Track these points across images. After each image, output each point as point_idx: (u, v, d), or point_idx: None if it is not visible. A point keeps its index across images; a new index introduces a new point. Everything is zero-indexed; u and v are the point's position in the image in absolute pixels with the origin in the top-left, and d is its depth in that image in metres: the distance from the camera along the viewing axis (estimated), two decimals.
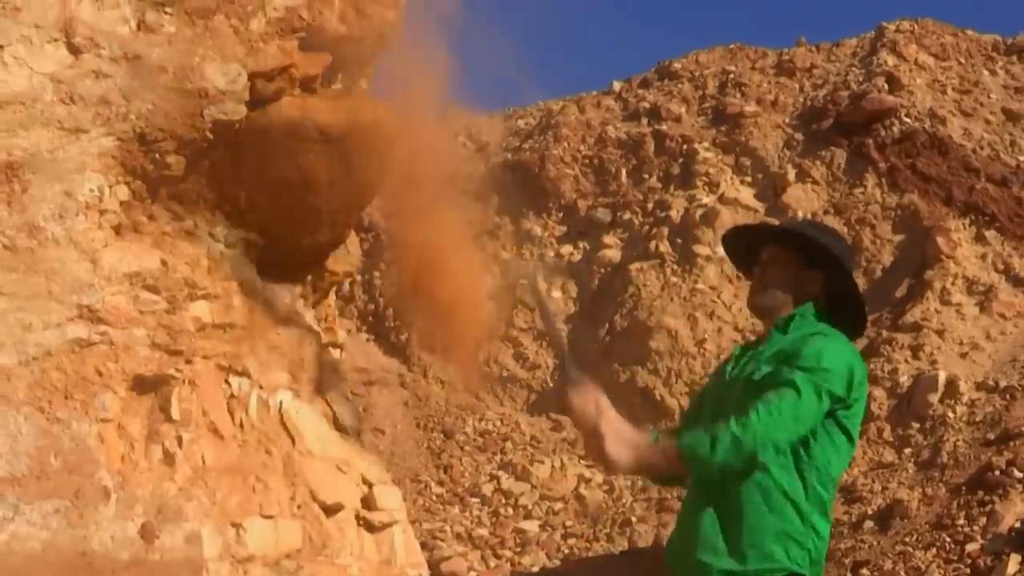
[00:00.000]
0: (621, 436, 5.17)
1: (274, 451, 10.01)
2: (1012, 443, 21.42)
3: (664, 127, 34.09)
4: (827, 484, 5.39)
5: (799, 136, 32.55)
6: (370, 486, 11.01)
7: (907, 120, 31.68)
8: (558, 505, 24.88)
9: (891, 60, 34.38)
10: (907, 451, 23.49)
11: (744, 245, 5.99)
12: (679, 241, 30.55)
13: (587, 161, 34.29)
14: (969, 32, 37.21)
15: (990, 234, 29.01)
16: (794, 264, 5.56)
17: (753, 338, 5.92)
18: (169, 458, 9.33)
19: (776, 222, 27.48)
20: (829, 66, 35.91)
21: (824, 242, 5.54)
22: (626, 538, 23.08)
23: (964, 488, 20.61)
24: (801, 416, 5.14)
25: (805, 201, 30.59)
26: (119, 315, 9.25)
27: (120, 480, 8.90)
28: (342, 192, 11.31)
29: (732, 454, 5.06)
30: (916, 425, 24.12)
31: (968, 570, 18.14)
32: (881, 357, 26.07)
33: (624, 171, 33.49)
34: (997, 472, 20.26)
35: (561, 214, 33.22)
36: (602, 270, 31.51)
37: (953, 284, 27.38)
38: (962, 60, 35.43)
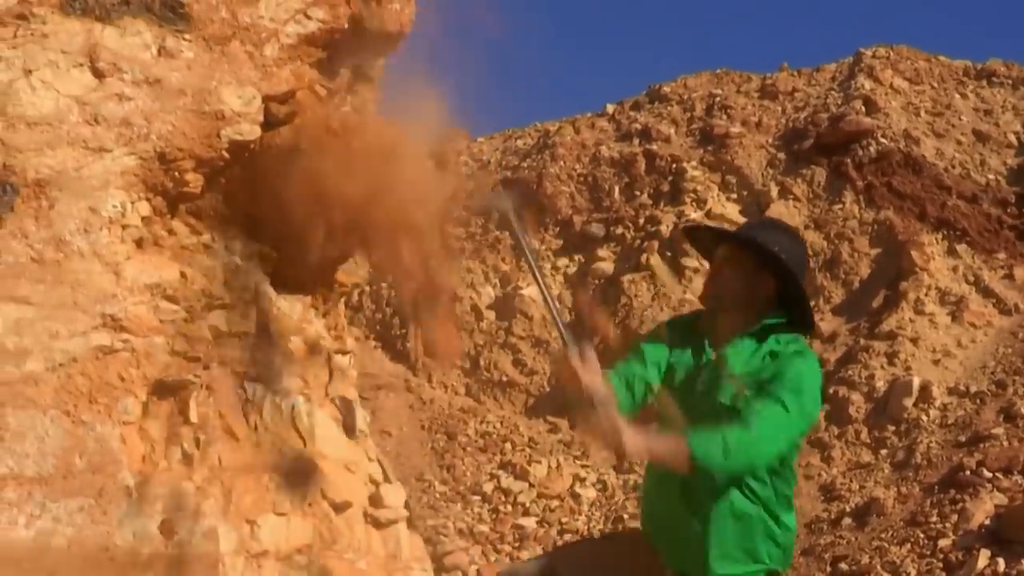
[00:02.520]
0: (630, 426, 5.17)
1: (287, 452, 10.00)
2: (982, 445, 21.45)
3: (654, 147, 34.16)
4: (789, 479, 5.43)
5: (782, 156, 32.63)
6: (377, 485, 11.00)
7: (883, 141, 31.75)
8: (555, 503, 24.87)
9: (868, 84, 34.47)
10: (883, 452, 23.50)
11: (706, 237, 6.03)
12: (668, 254, 30.58)
13: (582, 179, 34.37)
14: (942, 58, 37.31)
15: (961, 248, 29.05)
16: (748, 266, 5.56)
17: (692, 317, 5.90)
18: (187, 459, 9.31)
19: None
20: (810, 90, 36.00)
21: (775, 250, 5.52)
22: None
23: (937, 487, 20.62)
24: (789, 435, 5.30)
25: (787, 216, 30.61)
26: (140, 324, 9.24)
27: (141, 479, 8.88)
28: (351, 208, 11.31)
29: (736, 463, 5.14)
30: (892, 428, 24.13)
31: (940, 565, 18.13)
32: (858, 363, 26.09)
33: (617, 188, 33.57)
34: (968, 472, 20.27)
35: (557, 229, 33.27)
36: (596, 281, 31.55)
37: (926, 295, 27.41)
38: (935, 84, 35.52)
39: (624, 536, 6.01)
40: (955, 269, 28.49)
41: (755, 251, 5.57)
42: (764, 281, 5.55)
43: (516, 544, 23.36)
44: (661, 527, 5.72)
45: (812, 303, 6.13)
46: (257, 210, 10.66)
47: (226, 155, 10.00)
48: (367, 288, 32.00)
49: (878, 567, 18.86)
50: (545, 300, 5.78)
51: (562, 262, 32.55)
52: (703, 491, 5.39)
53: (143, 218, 9.58)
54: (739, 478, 5.28)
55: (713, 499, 5.38)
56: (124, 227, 9.33)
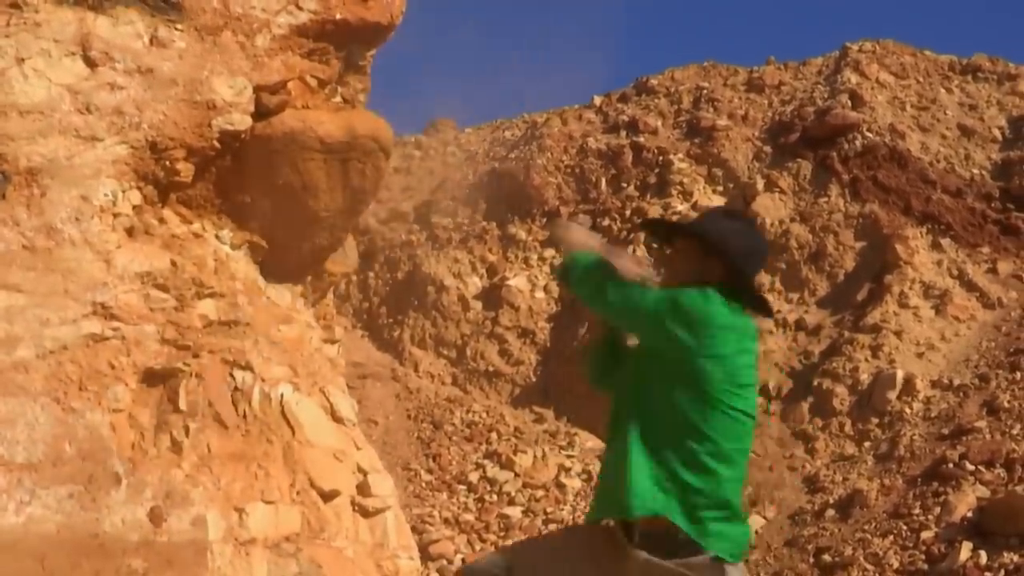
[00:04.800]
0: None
1: (275, 440, 10.00)
2: (965, 438, 21.50)
3: (641, 139, 34.20)
4: (698, 439, 5.40)
5: (768, 149, 32.68)
6: (364, 474, 11.01)
7: (869, 134, 31.80)
8: (539, 492, 24.88)
9: (854, 78, 34.52)
10: (867, 444, 23.56)
11: (662, 231, 6.16)
12: (655, 246, 30.58)
13: (569, 170, 34.39)
14: (927, 52, 37.36)
15: (945, 242, 29.12)
16: (696, 255, 5.62)
17: None
18: (177, 446, 9.32)
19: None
20: (796, 83, 36.06)
21: (718, 236, 5.59)
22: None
23: (920, 480, 20.67)
24: (631, 302, 5.49)
25: (773, 209, 30.68)
26: (131, 312, 9.24)
27: (130, 467, 8.89)
28: (340, 198, 11.33)
29: (576, 285, 5.67)
30: (875, 420, 24.20)
31: (923, 557, 18.20)
32: (843, 356, 26.14)
33: (604, 180, 33.61)
34: (950, 465, 20.33)
35: (544, 220, 33.26)
36: None
37: (911, 288, 27.46)
38: (920, 79, 35.59)
39: (582, 528, 5.97)
40: (939, 263, 28.55)
41: (699, 238, 5.67)
42: (711, 267, 5.62)
43: (501, 533, 23.39)
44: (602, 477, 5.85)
45: (769, 294, 6.17)
46: (247, 200, 10.68)
47: (217, 145, 10.01)
48: (354, 277, 31.99)
49: (861, 558, 18.92)
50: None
51: (548, 253, 32.55)
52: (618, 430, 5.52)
53: (134, 207, 9.59)
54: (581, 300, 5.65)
55: (616, 441, 5.51)
56: (115, 216, 9.34)
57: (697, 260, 5.61)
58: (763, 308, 5.79)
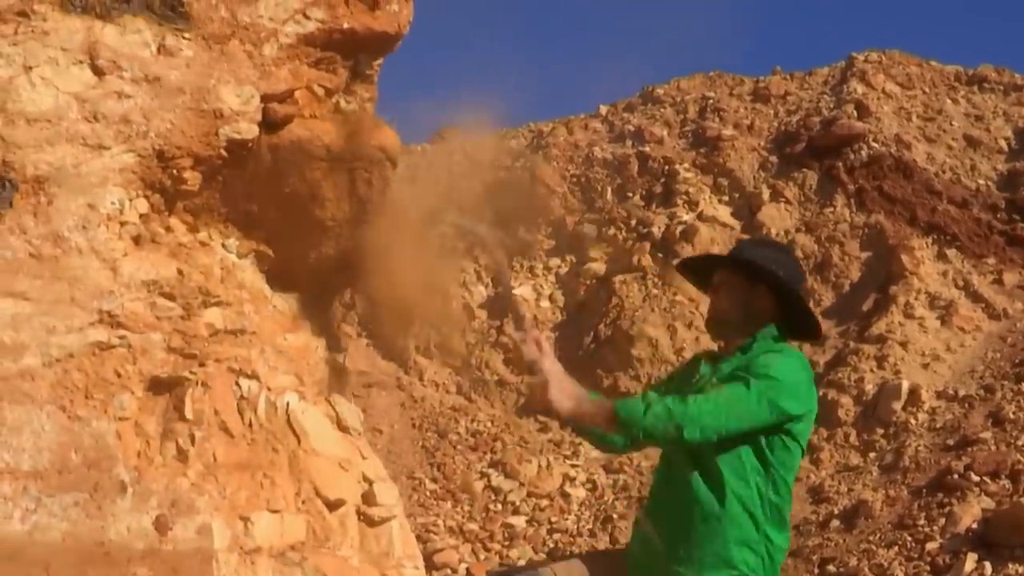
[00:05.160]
0: (563, 385, 5.34)
1: (281, 449, 10.00)
2: (970, 448, 21.47)
3: (647, 149, 34.21)
4: (783, 493, 5.37)
5: (773, 159, 32.67)
6: (370, 483, 11.01)
7: (874, 145, 31.80)
8: (544, 502, 24.88)
9: (860, 88, 34.53)
10: (872, 455, 23.54)
11: (700, 267, 6.07)
12: (660, 255, 30.61)
13: (575, 179, 34.41)
14: (933, 63, 37.36)
15: (951, 252, 29.11)
16: (742, 286, 5.60)
17: (716, 350, 5.93)
18: (182, 455, 9.32)
19: (746, 237, 27.61)
20: (802, 93, 36.05)
21: (766, 264, 5.56)
22: (607, 534, 23.10)
23: (925, 490, 20.65)
24: (739, 412, 5.17)
25: (778, 219, 30.68)
26: (137, 320, 9.25)
27: (136, 475, 8.89)
28: (347, 207, 11.34)
29: (660, 423, 5.09)
30: (880, 431, 24.17)
31: (928, 568, 18.17)
32: (848, 367, 26.13)
33: (609, 189, 33.61)
34: (955, 476, 20.31)
35: (550, 229, 33.30)
36: (588, 282, 31.60)
37: (916, 299, 27.45)
38: (926, 89, 35.58)
39: (618, 554, 5.93)
40: (945, 273, 28.54)
41: (744, 268, 5.63)
42: (760, 297, 5.58)
43: (506, 543, 23.38)
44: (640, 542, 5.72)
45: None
46: (254, 209, 10.69)
47: (224, 154, 10.01)
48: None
49: (866, 569, 18.90)
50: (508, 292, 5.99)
51: (554, 262, 32.58)
52: (678, 487, 5.41)
53: (141, 215, 9.60)
54: (671, 443, 5.21)
55: (687, 500, 5.37)
56: (122, 224, 9.35)
57: (744, 291, 5.60)
58: (816, 327, 5.81)
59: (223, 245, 10.56)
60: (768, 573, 5.37)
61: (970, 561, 17.36)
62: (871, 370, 25.80)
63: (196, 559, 8.95)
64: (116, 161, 9.32)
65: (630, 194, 33.29)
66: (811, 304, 28.20)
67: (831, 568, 19.59)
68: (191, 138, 9.75)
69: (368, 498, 10.92)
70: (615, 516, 23.62)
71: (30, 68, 9.11)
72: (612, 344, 29.26)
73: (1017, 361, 24.82)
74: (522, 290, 31.80)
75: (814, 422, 5.63)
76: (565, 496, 25.17)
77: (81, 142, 9.19)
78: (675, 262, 29.28)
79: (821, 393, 25.35)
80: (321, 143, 10.78)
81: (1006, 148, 33.16)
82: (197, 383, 9.58)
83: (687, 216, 31.39)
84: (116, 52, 9.52)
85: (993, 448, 21.22)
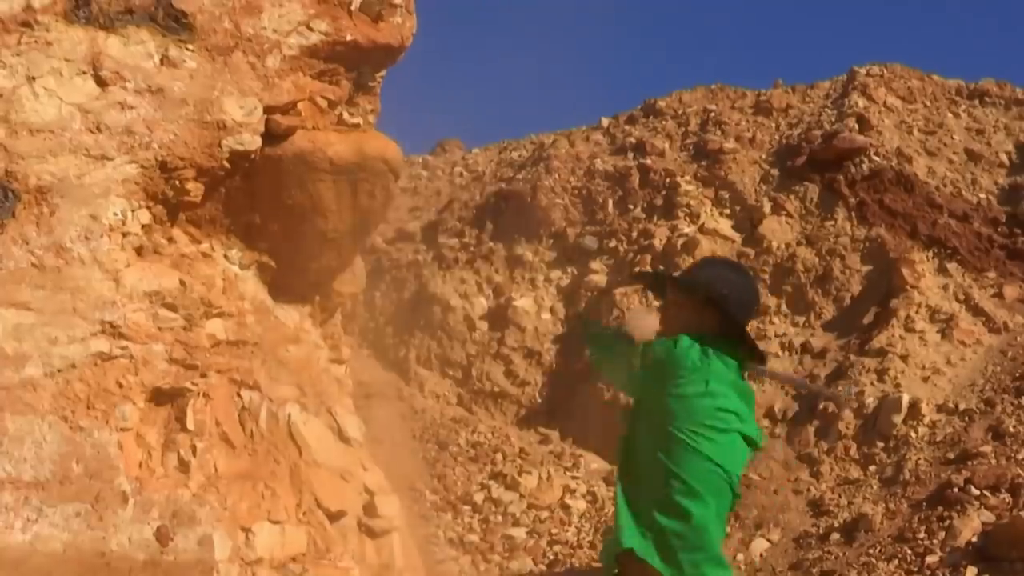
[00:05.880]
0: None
1: (282, 460, 10.01)
2: (970, 462, 21.43)
3: (649, 161, 34.18)
4: (670, 479, 5.47)
5: (775, 172, 32.62)
6: (371, 494, 11.01)
7: (876, 158, 31.76)
8: (544, 514, 24.81)
9: (861, 102, 34.50)
10: (872, 468, 23.47)
11: (658, 282, 6.40)
12: (661, 268, 30.55)
13: (576, 192, 34.36)
14: (935, 77, 37.34)
15: (952, 266, 29.05)
16: (691, 305, 5.77)
17: None
18: (184, 466, 9.33)
19: (747, 250, 27.70)
20: (804, 106, 36.02)
21: (712, 285, 5.78)
22: None
23: (925, 504, 20.61)
24: (616, 360, 5.99)
25: (780, 232, 30.64)
26: (139, 331, 9.26)
27: (138, 486, 8.89)
28: (349, 218, 11.35)
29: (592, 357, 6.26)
30: (880, 444, 24.10)
31: None
32: (848, 380, 26.09)
33: (611, 202, 33.56)
34: (956, 489, 20.27)
35: (551, 241, 33.26)
36: (589, 294, 31.53)
37: (917, 312, 27.40)
38: (928, 103, 35.55)
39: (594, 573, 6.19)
40: (945, 287, 28.48)
41: (690, 289, 5.82)
42: (707, 317, 5.73)
43: (506, 554, 23.32)
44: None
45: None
46: (256, 220, 10.70)
47: (227, 165, 10.03)
48: (360, 296, 32.00)
49: None
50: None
51: (555, 274, 32.52)
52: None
53: (143, 226, 9.61)
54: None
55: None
56: (124, 235, 9.36)
57: (693, 311, 5.82)
58: (757, 354, 5.93)
59: (225, 256, 10.58)
60: (661, 555, 5.44)
61: (970, 574, 17.34)
62: (871, 383, 25.74)
63: (197, 570, 8.95)
64: (119, 172, 9.34)
65: (631, 206, 33.26)
66: (801, 309, 28.18)
67: None
68: (194, 149, 9.77)
69: (369, 509, 10.93)
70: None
71: (33, 78, 9.12)
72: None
73: (1018, 375, 24.77)
74: (523, 302, 31.77)
75: (720, 409, 5.74)
76: (565, 508, 25.11)
77: (84, 153, 9.20)
78: (635, 273, 29.41)
79: (821, 406, 25.33)
80: (324, 155, 10.80)
81: (1007, 162, 33.12)
82: (199, 394, 9.59)
83: (688, 229, 31.36)
84: (119, 63, 9.54)
85: (993, 462, 21.19)
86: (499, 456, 27.18)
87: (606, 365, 6.10)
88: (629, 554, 5.40)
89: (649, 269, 30.47)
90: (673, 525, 5.41)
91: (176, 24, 9.90)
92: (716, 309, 5.70)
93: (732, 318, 5.71)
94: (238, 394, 9.96)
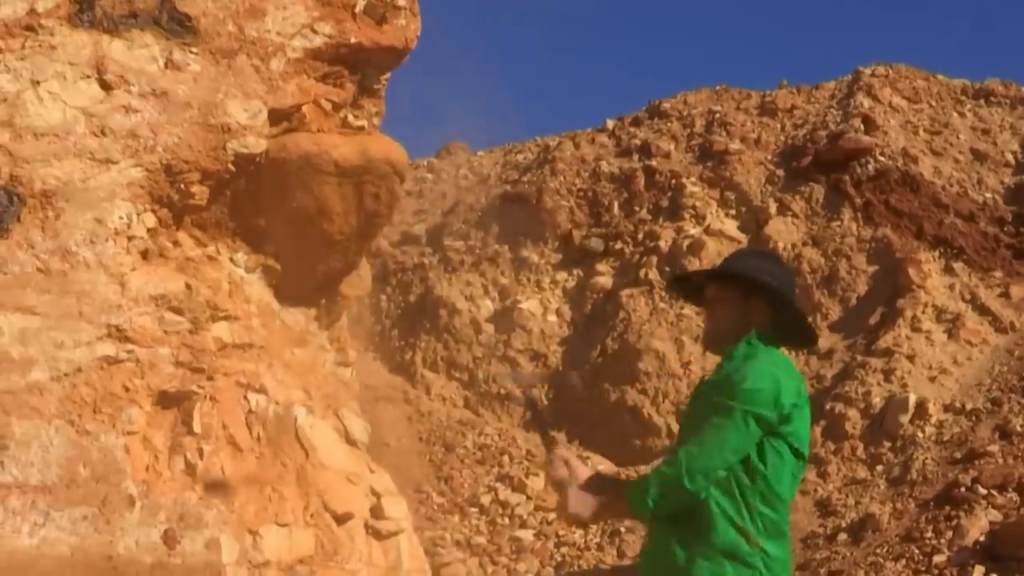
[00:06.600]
0: (579, 498, 5.37)
1: (289, 463, 10.01)
2: (977, 462, 21.43)
3: (654, 163, 34.14)
4: (775, 504, 5.32)
5: (780, 172, 32.60)
6: (378, 497, 11.00)
7: (881, 159, 31.74)
8: (552, 516, 24.78)
9: (867, 102, 34.46)
10: (879, 468, 23.47)
11: (692, 284, 6.10)
12: (667, 269, 30.52)
13: (582, 194, 34.32)
14: (940, 77, 37.30)
15: (958, 266, 29.04)
16: (735, 299, 5.58)
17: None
18: (191, 469, 9.33)
19: (751, 248, 27.67)
20: (809, 107, 35.98)
21: (758, 276, 5.55)
22: (615, 547, 23.05)
23: (932, 503, 20.60)
24: (727, 442, 5.17)
25: (785, 233, 30.63)
26: (145, 335, 9.26)
27: (144, 489, 8.90)
28: (355, 221, 11.35)
29: (663, 494, 5.12)
30: (888, 444, 24.10)
31: None
32: (855, 380, 26.06)
33: (616, 203, 33.52)
34: (963, 489, 20.26)
35: (557, 243, 33.22)
36: (595, 296, 31.52)
37: (923, 312, 27.38)
38: (933, 103, 35.52)
39: (624, 570, 6.02)
40: (952, 287, 28.46)
41: (736, 280, 5.62)
42: (755, 308, 5.58)
43: (513, 556, 23.31)
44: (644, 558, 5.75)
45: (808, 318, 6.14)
46: (262, 223, 10.70)
47: (232, 168, 10.03)
48: (366, 300, 31.97)
49: None
50: None
51: (561, 276, 32.50)
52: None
53: (149, 229, 9.62)
54: (689, 499, 5.19)
55: (679, 517, 5.40)
56: (130, 238, 9.36)
57: (739, 303, 5.59)
58: (811, 333, 5.82)
59: (231, 259, 10.57)
60: None
61: (977, 574, 17.33)
62: (878, 383, 25.72)
63: (205, 573, 8.95)
64: (124, 175, 9.34)
65: (637, 208, 33.23)
66: (808, 314, 28.12)
67: None
68: (199, 152, 9.77)
69: (376, 512, 10.92)
70: (622, 530, 23.55)
71: (38, 83, 9.13)
72: (619, 358, 29.22)
73: None
74: (528, 304, 31.75)
75: (811, 423, 5.63)
76: None
77: (89, 156, 9.21)
78: (668, 280, 29.30)
79: (828, 407, 25.30)
80: (329, 157, 10.80)
81: (1013, 161, 33.10)
82: (205, 397, 9.59)
83: (694, 230, 31.33)
84: (124, 67, 9.54)
85: (1000, 461, 21.19)
86: (506, 458, 27.18)
87: (708, 467, 5.17)
88: None
89: (655, 272, 30.47)
90: (776, 550, 5.37)
91: (180, 27, 9.90)
92: (763, 298, 5.58)
93: (784, 300, 5.58)
94: (244, 397, 9.96)
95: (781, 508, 5.33)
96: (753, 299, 5.54)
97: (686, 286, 6.23)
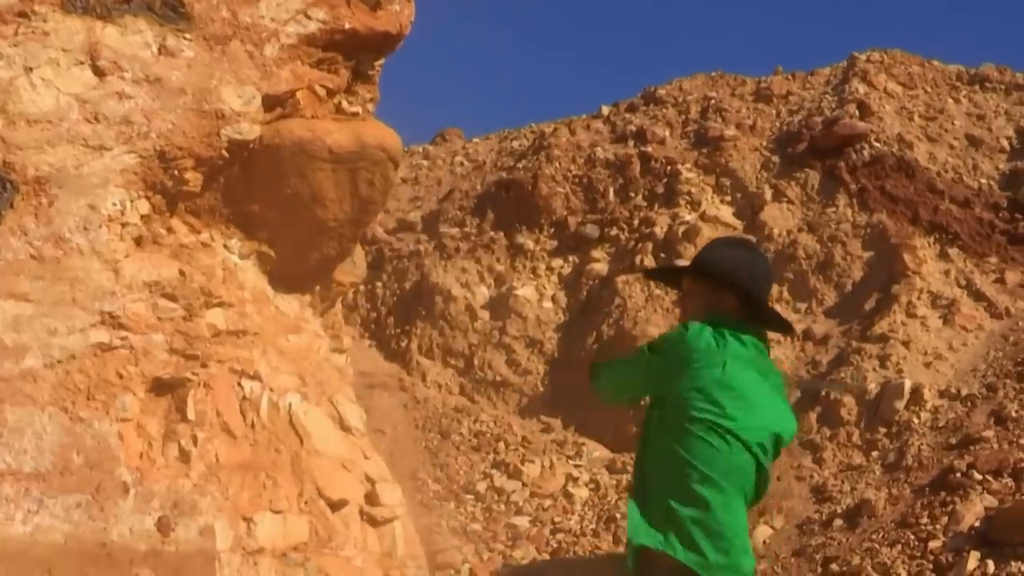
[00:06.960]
0: None
1: (283, 450, 9.99)
2: (972, 447, 21.43)
3: (649, 149, 34.14)
4: (684, 468, 5.46)
5: (775, 159, 32.59)
6: (373, 483, 11.00)
7: (876, 144, 31.73)
8: (547, 502, 24.82)
9: (862, 88, 34.47)
10: (874, 454, 23.47)
11: (671, 274, 6.40)
12: (663, 256, 30.51)
13: (577, 180, 34.32)
14: (935, 62, 37.30)
15: (953, 252, 29.03)
16: (707, 291, 5.72)
17: None
18: (185, 456, 9.31)
19: (749, 237, 27.65)
20: (804, 93, 36.00)
21: (727, 268, 5.67)
22: (611, 534, 23.06)
23: (927, 489, 20.60)
24: (626, 364, 5.97)
25: (781, 219, 30.62)
26: (139, 321, 9.24)
27: (138, 476, 8.88)
28: (349, 207, 11.33)
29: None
30: (883, 430, 24.09)
31: (931, 566, 18.12)
32: (850, 366, 26.07)
33: (612, 190, 33.52)
34: (958, 474, 20.27)
35: (552, 229, 33.22)
36: (590, 282, 31.50)
37: (918, 298, 27.38)
38: (928, 89, 35.53)
39: (619, 557, 6.05)
40: (947, 273, 28.46)
41: (703, 273, 5.74)
42: (723, 298, 5.68)
43: (509, 543, 23.31)
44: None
45: (776, 304, 6.42)
46: (256, 209, 10.68)
47: (225, 154, 10.01)
48: (362, 287, 31.95)
49: (869, 568, 18.85)
50: None
51: (556, 263, 32.49)
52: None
53: (142, 216, 9.60)
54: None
55: None
56: (123, 225, 9.34)
57: (708, 295, 5.73)
58: (781, 324, 5.88)
59: (225, 246, 10.56)
60: (683, 544, 5.40)
61: (973, 559, 17.32)
62: (873, 369, 25.72)
63: (199, 560, 8.94)
64: (117, 162, 9.32)
65: (632, 194, 33.21)
66: (803, 300, 28.10)
67: (834, 567, 19.55)
68: (192, 139, 9.75)
69: (371, 498, 10.91)
70: (618, 516, 23.56)
71: (31, 69, 9.10)
72: (615, 344, 29.21)
73: (1019, 360, 24.76)
74: (524, 291, 31.74)
75: (789, 409, 5.78)
76: (568, 496, 25.12)
77: (82, 143, 9.18)
78: (643, 272, 29.34)
79: (823, 393, 25.32)
80: (323, 144, 10.78)
81: (1008, 147, 33.10)
82: (199, 384, 9.58)
83: (689, 216, 31.32)
84: (117, 53, 9.52)
85: (996, 447, 21.18)
86: (501, 445, 27.20)
87: (613, 382, 5.98)
88: (648, 551, 5.37)
89: (651, 258, 30.47)
90: (691, 513, 5.38)
91: (173, 13, 9.88)
92: (732, 289, 5.66)
93: (751, 295, 5.66)
94: (239, 384, 9.95)
95: (693, 471, 5.46)
96: (721, 291, 5.67)
97: (662, 277, 6.59)
